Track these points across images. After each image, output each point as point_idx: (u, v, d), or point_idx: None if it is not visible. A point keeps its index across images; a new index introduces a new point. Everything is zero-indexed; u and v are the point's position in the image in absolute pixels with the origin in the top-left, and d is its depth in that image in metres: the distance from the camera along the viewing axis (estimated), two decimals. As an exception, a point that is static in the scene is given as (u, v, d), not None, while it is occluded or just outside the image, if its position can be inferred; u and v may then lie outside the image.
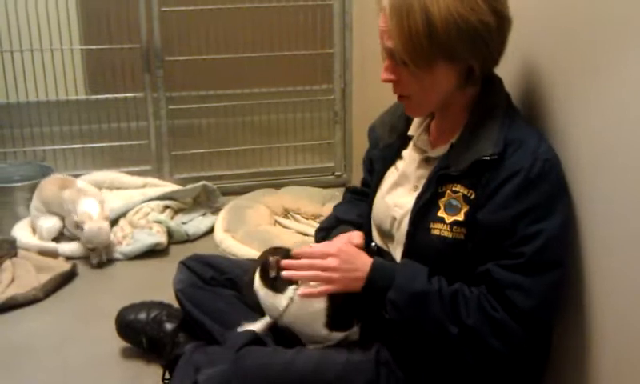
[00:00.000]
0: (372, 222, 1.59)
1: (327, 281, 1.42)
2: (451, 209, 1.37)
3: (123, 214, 2.87)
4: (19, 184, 2.89)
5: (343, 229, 1.62)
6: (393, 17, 1.31)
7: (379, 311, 1.40)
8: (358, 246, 1.51)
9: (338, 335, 1.48)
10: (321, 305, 1.46)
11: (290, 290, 1.47)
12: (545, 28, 1.44)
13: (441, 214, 1.38)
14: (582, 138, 1.32)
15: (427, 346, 1.37)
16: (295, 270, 1.45)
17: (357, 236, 1.56)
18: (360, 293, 1.41)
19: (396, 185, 1.53)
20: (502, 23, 1.34)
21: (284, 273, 1.46)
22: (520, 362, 1.35)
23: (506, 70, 1.45)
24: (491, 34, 1.32)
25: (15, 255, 2.55)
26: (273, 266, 1.47)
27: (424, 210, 1.41)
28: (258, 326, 1.57)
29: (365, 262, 1.42)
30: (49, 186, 2.73)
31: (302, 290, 1.44)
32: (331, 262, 1.42)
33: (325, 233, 1.68)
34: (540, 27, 1.44)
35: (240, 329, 1.58)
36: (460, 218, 1.36)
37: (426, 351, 1.38)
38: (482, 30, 1.30)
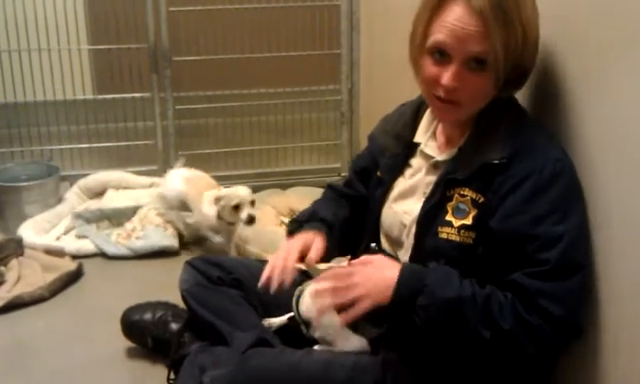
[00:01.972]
0: (380, 231, 1.57)
1: (354, 300, 1.33)
2: (459, 212, 1.36)
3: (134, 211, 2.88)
4: (26, 184, 2.90)
5: (310, 227, 1.57)
6: (496, 21, 1.25)
7: (404, 316, 1.34)
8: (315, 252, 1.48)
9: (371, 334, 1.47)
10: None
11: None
12: (556, 28, 1.43)
13: (449, 217, 1.37)
14: (594, 140, 1.31)
15: (458, 350, 1.33)
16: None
17: (315, 241, 1.51)
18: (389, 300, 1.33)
19: (406, 194, 1.51)
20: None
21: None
22: (550, 366, 1.34)
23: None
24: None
25: (22, 254, 2.55)
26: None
27: (432, 214, 1.40)
28: (279, 321, 1.56)
29: (393, 271, 1.34)
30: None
31: (342, 317, 1.35)
32: (353, 278, 1.36)
33: (297, 225, 1.62)
34: (552, 27, 1.43)
35: (264, 322, 1.58)
36: (468, 221, 1.35)
37: (455, 356, 1.35)
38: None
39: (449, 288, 1.29)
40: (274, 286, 1.44)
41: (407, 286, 1.31)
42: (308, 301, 1.50)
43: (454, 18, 1.27)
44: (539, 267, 1.26)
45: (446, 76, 1.30)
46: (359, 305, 1.32)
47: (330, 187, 1.77)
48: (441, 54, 1.31)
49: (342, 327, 1.43)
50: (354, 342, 1.46)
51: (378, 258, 1.41)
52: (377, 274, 1.35)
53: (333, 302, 1.36)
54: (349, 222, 1.66)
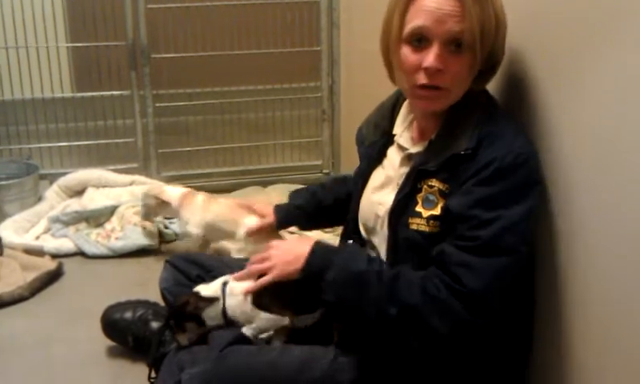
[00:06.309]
0: (359, 220, 1.59)
1: (264, 270, 1.48)
2: (428, 203, 1.38)
3: (112, 211, 2.86)
4: (5, 182, 2.88)
5: (277, 208, 1.97)
6: (473, 3, 1.28)
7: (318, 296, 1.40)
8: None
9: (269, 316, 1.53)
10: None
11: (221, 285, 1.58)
12: (530, 18, 1.45)
13: (418, 208, 1.39)
14: (565, 132, 1.33)
15: (367, 328, 1.37)
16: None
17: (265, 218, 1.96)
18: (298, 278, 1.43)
19: (382, 185, 1.53)
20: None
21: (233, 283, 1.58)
22: (464, 345, 1.34)
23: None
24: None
25: (1, 254, 2.54)
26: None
27: (403, 206, 1.41)
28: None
29: (305, 247, 1.43)
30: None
31: (246, 287, 1.51)
32: (267, 253, 1.51)
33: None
34: (525, 17, 1.44)
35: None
36: (437, 212, 1.36)
37: (367, 334, 1.39)
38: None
39: (354, 264, 1.36)
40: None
41: (316, 262, 1.40)
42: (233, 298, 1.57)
43: (431, 1, 1.30)
44: (468, 242, 1.28)
45: (428, 58, 1.31)
46: (268, 275, 1.47)
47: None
48: (419, 41, 1.33)
49: (252, 309, 1.54)
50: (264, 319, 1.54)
51: (296, 237, 1.53)
52: (289, 249, 1.48)
53: (247, 273, 1.54)
54: (338, 202, 1.85)
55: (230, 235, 2.28)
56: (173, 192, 2.48)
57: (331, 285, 1.36)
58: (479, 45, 1.30)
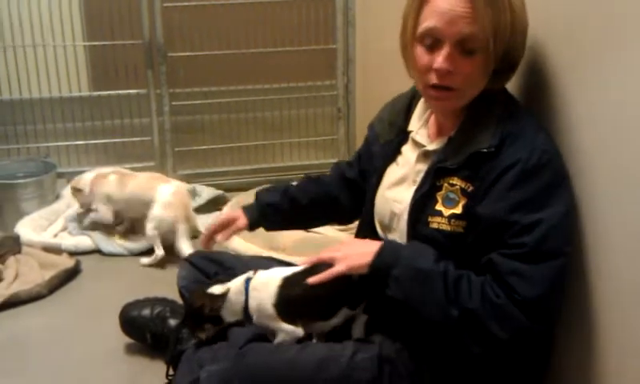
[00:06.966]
0: (375, 217, 1.59)
1: (332, 261, 1.45)
2: (449, 202, 1.37)
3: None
4: (22, 181, 2.90)
5: (245, 208, 1.82)
6: (485, 3, 1.28)
7: (383, 299, 1.39)
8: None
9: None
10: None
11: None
12: (549, 16, 1.43)
13: (439, 207, 1.38)
14: (585, 130, 1.32)
15: (428, 327, 1.36)
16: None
17: (238, 221, 1.79)
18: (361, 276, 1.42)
19: (397, 181, 1.53)
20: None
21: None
22: (523, 350, 1.34)
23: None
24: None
25: (19, 252, 2.55)
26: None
27: (422, 204, 1.41)
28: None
29: (374, 245, 1.42)
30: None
31: (314, 277, 1.45)
32: (337, 247, 1.49)
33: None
34: (544, 15, 1.43)
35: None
36: (458, 210, 1.36)
37: (427, 333, 1.37)
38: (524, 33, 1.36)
39: (422, 260, 1.35)
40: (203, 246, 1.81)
41: (384, 257, 1.38)
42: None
43: (444, 3, 1.30)
44: (516, 250, 1.27)
45: (438, 59, 1.32)
46: (335, 267, 1.43)
47: (334, 166, 1.89)
48: (432, 41, 1.33)
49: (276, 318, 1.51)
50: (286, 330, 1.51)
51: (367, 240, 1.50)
52: (360, 245, 1.47)
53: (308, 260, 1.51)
54: (314, 202, 1.81)
55: (148, 205, 2.58)
56: (84, 177, 2.75)
57: (397, 280, 1.35)
58: (492, 47, 1.30)
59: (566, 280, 1.32)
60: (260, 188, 1.97)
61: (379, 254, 1.39)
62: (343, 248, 1.47)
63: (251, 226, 1.81)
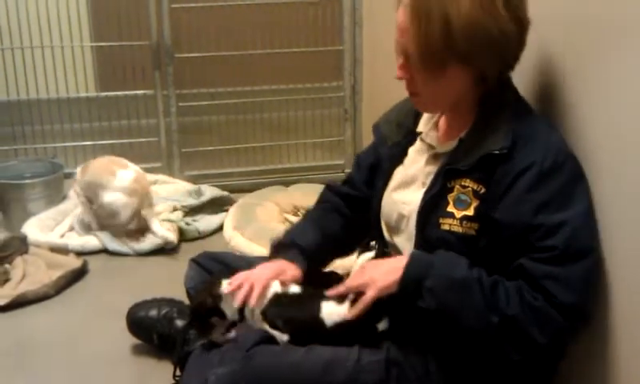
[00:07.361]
0: (381, 219, 1.58)
1: (360, 288, 1.40)
2: (460, 204, 1.36)
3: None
4: (30, 181, 2.91)
5: (286, 256, 1.60)
6: (412, 19, 1.30)
7: (406, 306, 1.36)
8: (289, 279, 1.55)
9: None
10: None
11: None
12: (559, 16, 1.43)
13: (450, 209, 1.37)
14: (598, 130, 1.31)
15: (466, 337, 1.33)
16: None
17: (288, 269, 1.57)
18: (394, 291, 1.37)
19: (405, 183, 1.52)
20: (522, 30, 1.34)
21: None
22: (560, 354, 1.34)
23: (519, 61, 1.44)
24: (510, 42, 1.32)
25: (26, 252, 2.56)
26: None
27: (432, 205, 1.40)
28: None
29: (401, 260, 1.37)
30: None
31: (351, 311, 1.42)
32: (362, 271, 1.45)
33: (275, 250, 1.65)
34: (554, 15, 1.43)
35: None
36: (470, 212, 1.35)
37: (462, 343, 1.35)
38: (500, 38, 1.30)
39: (456, 270, 1.31)
40: (238, 302, 1.51)
41: (415, 270, 1.34)
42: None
43: (398, 14, 1.36)
44: (546, 253, 1.26)
45: (397, 70, 1.40)
46: (367, 294, 1.38)
47: (327, 188, 1.78)
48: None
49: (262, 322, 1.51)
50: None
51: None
52: (385, 264, 1.42)
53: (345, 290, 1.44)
54: (338, 236, 1.69)
55: (106, 185, 2.66)
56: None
57: (431, 291, 1.31)
58: (420, 62, 1.33)
59: (596, 278, 1.31)
60: (289, 229, 1.77)
61: (407, 269, 1.35)
62: (367, 272, 1.43)
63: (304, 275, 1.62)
